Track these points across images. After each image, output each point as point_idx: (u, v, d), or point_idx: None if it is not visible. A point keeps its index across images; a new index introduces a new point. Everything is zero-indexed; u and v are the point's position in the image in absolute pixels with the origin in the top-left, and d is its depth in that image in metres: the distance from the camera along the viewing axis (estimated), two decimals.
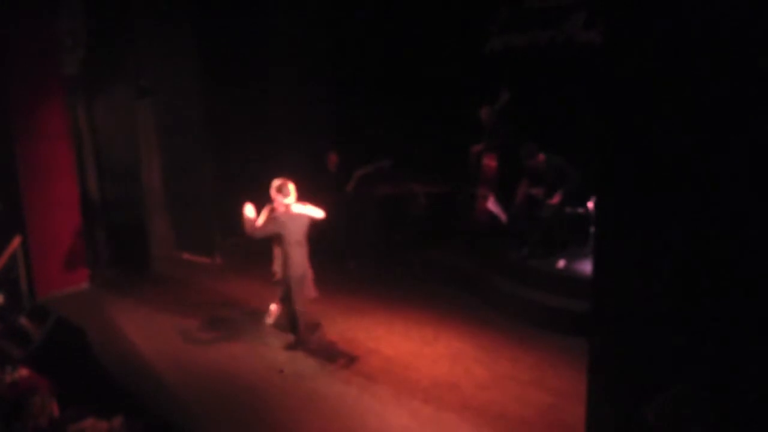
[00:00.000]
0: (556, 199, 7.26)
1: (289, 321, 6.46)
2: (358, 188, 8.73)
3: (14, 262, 7.69)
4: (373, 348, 6.45)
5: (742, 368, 3.15)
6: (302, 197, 6.30)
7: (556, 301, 6.84)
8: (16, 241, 7.66)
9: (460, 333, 6.74)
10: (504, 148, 8.07)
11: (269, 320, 6.95)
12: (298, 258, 6.21)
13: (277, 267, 6.63)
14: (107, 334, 6.87)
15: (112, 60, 8.81)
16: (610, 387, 3.73)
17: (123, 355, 6.48)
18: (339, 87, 9.68)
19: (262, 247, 7.01)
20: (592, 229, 6.90)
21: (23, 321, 5.97)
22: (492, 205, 8.02)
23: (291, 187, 6.16)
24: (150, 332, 7.02)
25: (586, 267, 6.80)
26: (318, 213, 6.28)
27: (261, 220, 6.25)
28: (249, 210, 6.20)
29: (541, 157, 7.30)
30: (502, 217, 8.03)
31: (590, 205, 7.14)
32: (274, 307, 6.93)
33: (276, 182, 6.20)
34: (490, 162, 8.14)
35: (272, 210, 6.30)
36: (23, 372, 4.82)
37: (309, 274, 6.36)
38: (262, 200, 6.40)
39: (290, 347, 6.48)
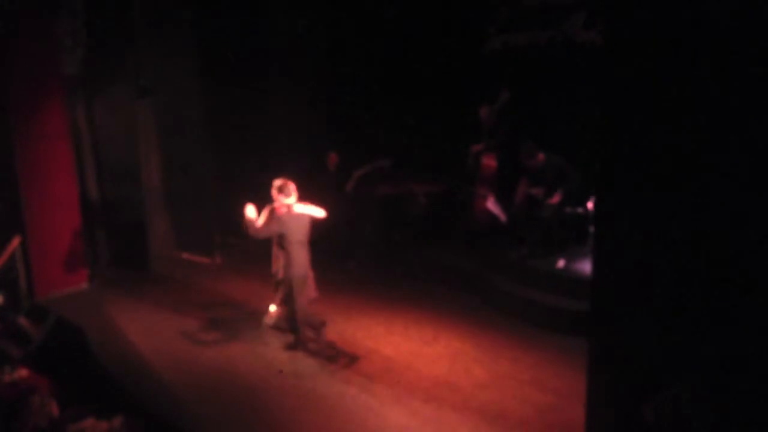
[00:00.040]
0: (555, 199, 7.26)
1: (289, 321, 6.46)
2: (357, 188, 8.73)
3: (13, 262, 7.69)
4: (373, 348, 6.45)
5: (742, 368, 3.15)
6: (302, 197, 6.30)
7: (556, 300, 6.84)
8: (16, 241, 7.66)
9: (459, 333, 6.74)
10: (503, 148, 8.07)
11: (268, 321, 6.94)
12: (300, 258, 6.22)
13: (276, 267, 6.63)
14: (107, 334, 6.86)
15: (112, 60, 8.80)
16: (610, 387, 3.73)
17: (123, 355, 6.47)
18: (339, 87, 9.68)
19: (261, 247, 7.01)
20: (591, 229, 6.90)
21: (23, 321, 5.98)
22: (492, 204, 8.03)
23: (292, 187, 6.16)
24: (150, 332, 7.01)
25: (586, 267, 6.80)
26: (319, 212, 6.28)
27: (261, 221, 6.25)
28: (250, 211, 6.20)
29: (541, 156, 7.30)
30: (502, 216, 8.03)
31: (590, 204, 7.14)
32: (273, 309, 6.92)
33: (277, 182, 6.19)
34: (489, 162, 8.14)
35: (273, 210, 6.30)
36: (23, 372, 4.82)
37: (310, 274, 6.36)
38: (261, 200, 6.39)
39: (290, 347, 6.48)
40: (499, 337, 6.61)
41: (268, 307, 7.00)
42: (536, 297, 7.00)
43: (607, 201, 3.75)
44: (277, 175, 6.33)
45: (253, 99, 9.43)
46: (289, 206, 6.15)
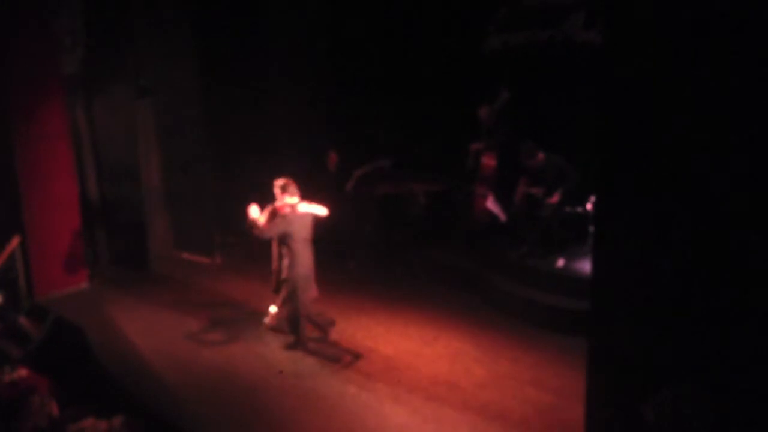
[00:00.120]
0: (555, 199, 7.26)
1: (291, 321, 6.45)
2: (357, 188, 8.72)
3: (13, 262, 7.69)
4: (373, 347, 6.45)
5: (742, 368, 3.15)
6: (303, 197, 6.30)
7: (556, 300, 6.84)
8: (15, 241, 7.66)
9: (459, 332, 6.74)
10: (503, 148, 8.07)
11: (268, 323, 6.93)
12: (305, 257, 6.23)
13: (276, 266, 6.63)
14: (107, 334, 6.87)
15: (112, 60, 8.81)
16: (609, 387, 3.73)
17: (122, 355, 6.48)
18: (339, 87, 9.68)
19: (261, 247, 7.01)
20: (591, 229, 6.90)
21: (22, 321, 5.98)
22: (491, 204, 8.03)
23: (295, 186, 6.18)
24: (149, 332, 7.01)
25: (586, 266, 6.80)
26: (322, 211, 6.29)
27: (263, 221, 6.24)
28: (254, 211, 6.20)
29: (541, 156, 7.30)
30: (502, 216, 8.03)
31: (589, 204, 7.14)
32: (273, 310, 6.92)
33: (280, 181, 6.21)
34: (489, 161, 8.13)
35: (274, 209, 6.30)
36: (22, 372, 4.82)
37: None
38: (262, 200, 6.39)
39: (290, 347, 6.47)
40: (499, 336, 6.61)
41: (268, 306, 7.00)
42: (536, 297, 7.00)
43: (606, 201, 3.75)
44: (277, 175, 6.33)
45: (253, 99, 9.43)
46: (293, 205, 6.16)
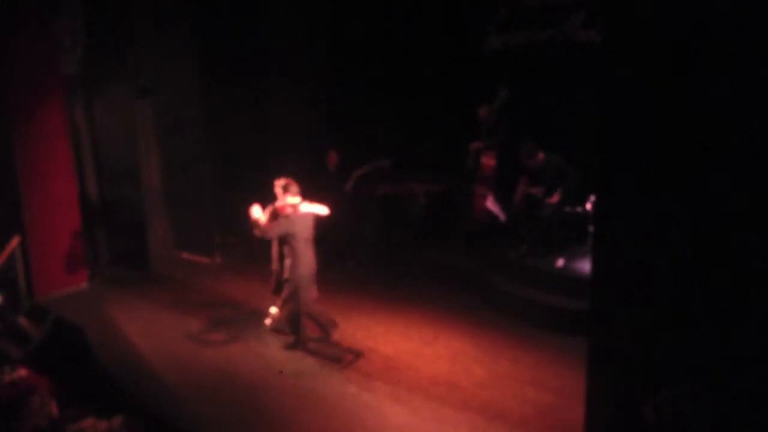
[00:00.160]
0: (555, 198, 7.26)
1: (291, 321, 6.45)
2: (357, 188, 8.73)
3: (13, 262, 7.69)
4: (373, 347, 6.45)
5: (742, 368, 3.15)
6: (303, 196, 6.30)
7: (556, 300, 6.84)
8: (15, 241, 7.66)
9: (459, 332, 6.74)
10: (503, 147, 8.07)
11: (269, 323, 6.92)
12: (308, 256, 6.23)
13: (276, 265, 6.63)
14: (106, 334, 6.87)
15: (112, 60, 8.81)
16: (609, 387, 3.73)
17: (122, 355, 6.48)
18: (339, 87, 9.68)
19: (261, 247, 7.01)
20: (591, 229, 6.90)
21: (22, 321, 5.97)
22: (491, 204, 8.03)
23: (296, 185, 6.18)
24: (150, 332, 7.01)
25: (585, 266, 6.80)
26: (323, 210, 6.29)
27: (265, 221, 6.24)
28: (256, 211, 6.20)
29: (541, 156, 7.30)
30: (502, 216, 8.03)
31: (589, 204, 7.14)
32: (274, 311, 6.91)
33: (281, 181, 6.21)
34: (488, 161, 8.13)
35: (275, 210, 6.30)
36: (22, 372, 4.81)
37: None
38: (262, 201, 6.39)
39: (290, 347, 6.47)
40: (499, 336, 6.61)
41: (267, 306, 6.99)
42: (536, 297, 7.00)
43: (606, 200, 3.75)
44: (277, 175, 6.33)
45: (253, 99, 9.43)
46: (295, 205, 6.16)
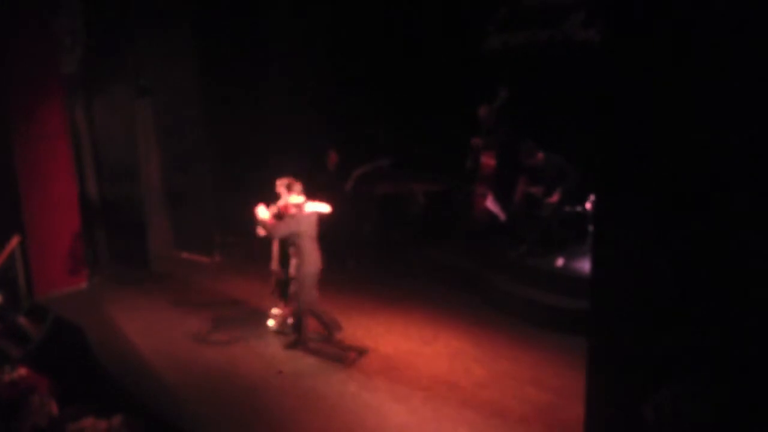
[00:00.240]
0: (555, 198, 7.27)
1: (296, 319, 6.46)
2: (357, 187, 8.73)
3: (13, 262, 7.69)
4: (373, 347, 6.45)
5: (742, 368, 3.15)
6: (305, 195, 6.31)
7: (556, 300, 6.84)
8: (15, 241, 7.66)
9: (459, 332, 6.74)
10: (503, 147, 8.07)
11: (273, 325, 6.90)
12: (314, 255, 6.25)
13: (276, 265, 6.63)
14: (106, 334, 6.87)
15: (112, 60, 8.81)
16: (609, 386, 3.73)
17: (122, 355, 6.48)
18: (339, 87, 9.69)
19: (261, 247, 7.00)
20: (591, 228, 6.89)
21: (22, 320, 5.97)
22: (491, 203, 8.03)
23: (299, 185, 6.20)
24: (149, 331, 7.01)
25: (585, 266, 6.80)
26: (325, 208, 6.31)
27: (269, 220, 6.24)
28: (262, 211, 6.19)
29: (540, 155, 7.30)
30: (501, 215, 8.03)
31: (589, 203, 7.14)
32: (276, 312, 6.91)
33: (284, 181, 6.22)
34: (488, 160, 8.14)
35: (279, 210, 6.30)
36: (22, 371, 4.81)
37: None
38: (262, 200, 6.39)
39: (290, 346, 6.48)
40: (498, 336, 6.62)
41: (267, 306, 7.00)
42: (536, 296, 7.00)
43: (606, 200, 3.75)
44: (277, 175, 6.33)
45: (253, 99, 9.43)
46: (299, 205, 6.17)
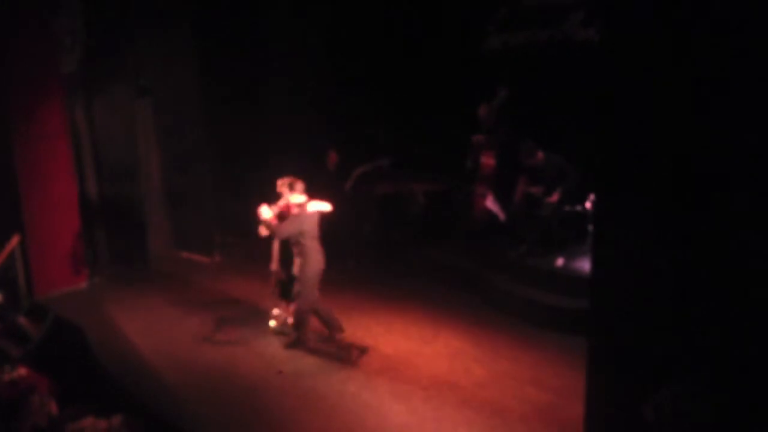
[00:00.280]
0: (554, 198, 7.27)
1: (297, 318, 6.46)
2: (357, 187, 8.73)
3: (13, 261, 7.69)
4: (373, 346, 6.45)
5: (742, 368, 3.15)
6: (307, 195, 6.31)
7: (556, 300, 6.84)
8: (15, 240, 7.67)
9: (459, 332, 6.74)
10: (503, 147, 8.07)
11: (273, 326, 6.90)
12: (317, 254, 6.26)
13: (276, 265, 6.63)
14: (106, 333, 6.87)
15: (112, 60, 8.82)
16: (609, 386, 3.72)
17: (122, 354, 6.48)
18: (339, 87, 9.69)
19: (261, 247, 7.00)
20: (590, 228, 6.89)
21: (22, 320, 5.97)
22: (491, 203, 8.03)
23: (301, 184, 6.20)
24: (149, 331, 7.01)
25: (585, 265, 6.80)
26: (326, 207, 6.31)
27: (271, 220, 6.24)
28: (265, 211, 6.19)
29: (540, 155, 7.30)
30: (501, 215, 8.03)
31: (589, 203, 7.14)
32: (277, 312, 6.91)
33: (286, 180, 6.22)
34: (488, 160, 8.14)
35: (281, 210, 6.30)
36: (22, 371, 4.80)
37: None
38: (263, 200, 6.39)
39: (290, 346, 6.47)
40: (498, 336, 6.62)
41: (267, 306, 7.00)
42: (536, 296, 7.00)
43: (606, 200, 3.75)
44: (277, 175, 6.33)
45: (253, 99, 9.43)
46: (302, 204, 6.17)
